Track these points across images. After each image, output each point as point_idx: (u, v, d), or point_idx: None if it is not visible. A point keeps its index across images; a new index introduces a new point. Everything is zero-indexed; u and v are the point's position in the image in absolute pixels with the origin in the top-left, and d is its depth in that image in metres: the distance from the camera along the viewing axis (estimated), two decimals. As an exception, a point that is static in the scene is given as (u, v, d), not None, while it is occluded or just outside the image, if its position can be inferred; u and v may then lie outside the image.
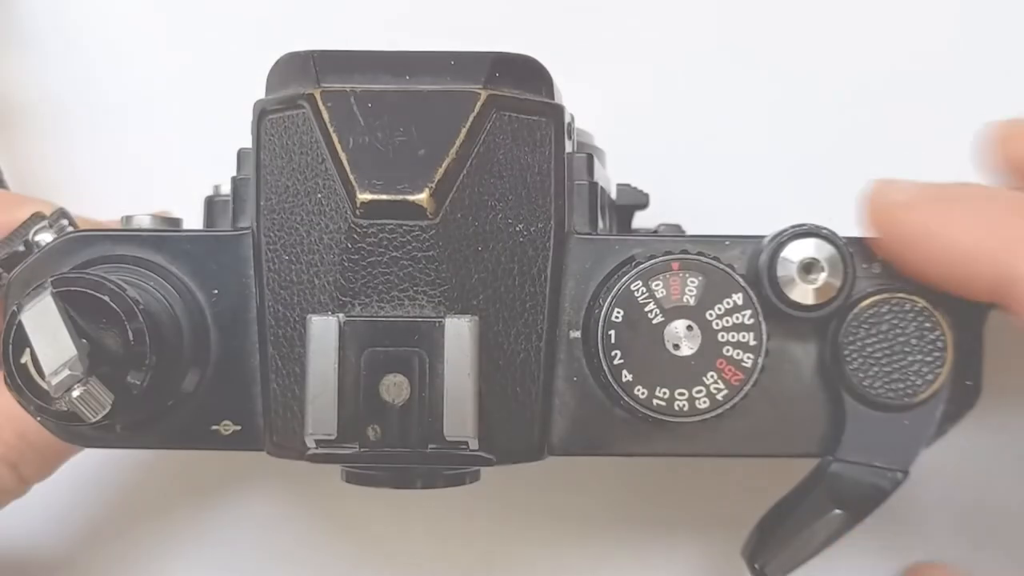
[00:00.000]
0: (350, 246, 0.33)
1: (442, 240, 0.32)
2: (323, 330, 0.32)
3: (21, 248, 0.37)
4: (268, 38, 0.45)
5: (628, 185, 0.41)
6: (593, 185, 0.36)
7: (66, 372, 0.31)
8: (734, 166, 0.47)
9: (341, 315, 0.32)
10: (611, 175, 0.41)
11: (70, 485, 0.46)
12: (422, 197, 0.32)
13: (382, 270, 0.33)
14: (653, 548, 0.47)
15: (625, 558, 0.47)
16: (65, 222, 0.37)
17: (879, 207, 0.34)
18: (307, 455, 0.33)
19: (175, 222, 0.37)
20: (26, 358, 0.32)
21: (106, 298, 0.32)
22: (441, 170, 0.32)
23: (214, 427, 0.35)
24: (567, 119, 0.35)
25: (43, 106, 0.47)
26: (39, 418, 0.34)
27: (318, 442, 0.32)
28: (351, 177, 0.32)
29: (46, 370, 0.31)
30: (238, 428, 0.35)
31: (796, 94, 0.47)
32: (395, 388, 0.32)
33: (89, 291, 0.32)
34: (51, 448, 0.39)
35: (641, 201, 0.41)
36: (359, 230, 0.32)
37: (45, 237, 0.37)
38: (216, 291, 0.35)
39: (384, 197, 0.32)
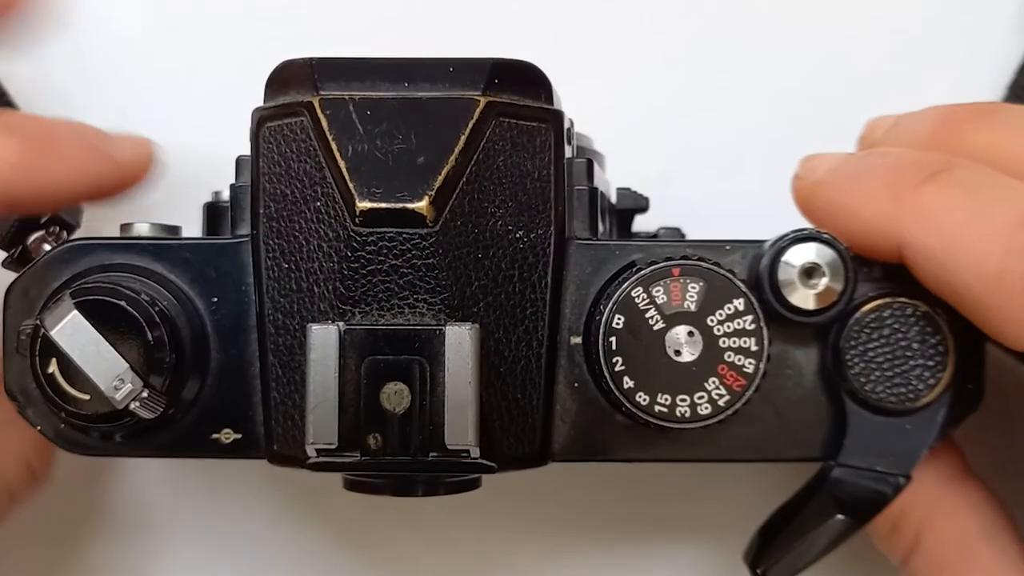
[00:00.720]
0: (350, 254, 0.32)
1: (442, 248, 0.32)
2: (323, 339, 0.32)
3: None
4: (266, 44, 0.45)
5: (628, 189, 0.41)
6: (593, 191, 0.36)
7: (128, 386, 0.33)
8: (734, 169, 0.47)
9: (341, 323, 0.32)
10: (611, 179, 0.41)
11: (68, 487, 0.46)
12: (421, 205, 0.32)
13: (382, 278, 0.32)
14: (653, 553, 0.47)
15: (625, 563, 0.47)
16: (63, 231, 0.37)
17: (801, 185, 0.36)
18: (308, 464, 0.33)
19: (174, 230, 0.37)
20: (53, 368, 0.33)
21: (123, 303, 0.33)
22: (440, 178, 0.32)
23: (214, 435, 0.35)
24: (566, 124, 0.35)
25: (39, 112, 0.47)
26: (62, 427, 0.35)
27: (319, 451, 0.32)
28: (350, 185, 0.32)
29: (102, 386, 0.33)
30: (238, 436, 0.35)
31: (799, 97, 0.47)
32: (396, 396, 0.32)
33: (108, 298, 0.33)
34: None
35: (641, 205, 0.41)
36: (359, 238, 0.32)
37: (43, 247, 0.37)
38: (216, 299, 0.35)
39: (383, 205, 0.32)
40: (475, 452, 0.32)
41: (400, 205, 0.32)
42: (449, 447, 0.32)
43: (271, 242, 0.34)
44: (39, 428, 0.35)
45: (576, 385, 0.35)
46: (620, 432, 0.35)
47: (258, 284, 0.34)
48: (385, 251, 0.32)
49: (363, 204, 0.32)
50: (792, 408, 0.35)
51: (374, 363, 0.32)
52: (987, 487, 0.37)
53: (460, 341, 0.32)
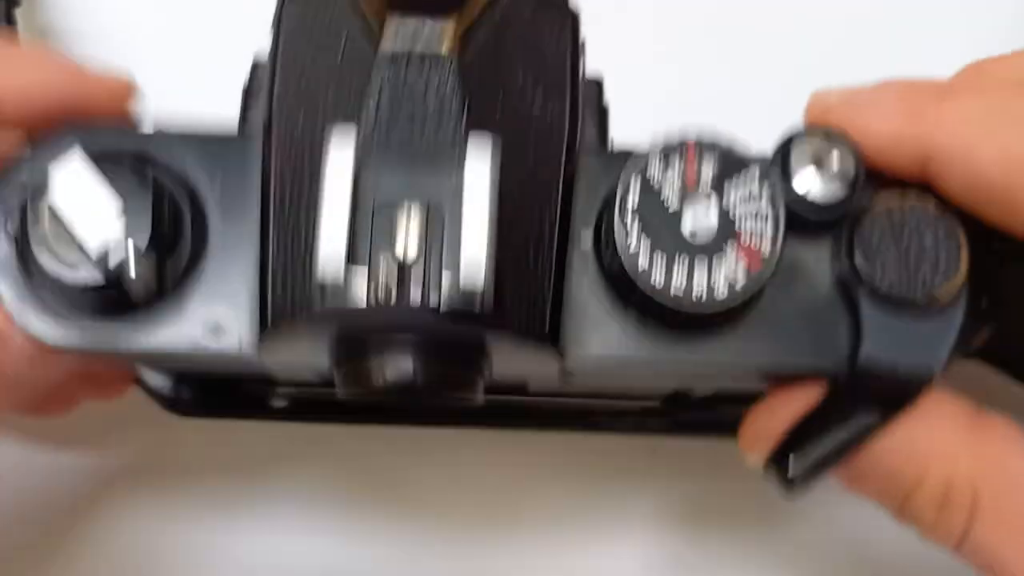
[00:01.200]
0: (369, 80, 0.32)
1: (465, 78, 0.32)
2: (341, 146, 0.30)
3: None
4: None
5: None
6: (603, 110, 0.36)
7: (120, 253, 0.32)
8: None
9: (358, 139, 0.31)
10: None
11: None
12: (448, 29, 0.32)
13: (405, 107, 0.32)
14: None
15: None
16: None
17: (814, 113, 0.37)
18: (308, 317, 0.31)
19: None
20: (44, 224, 0.32)
21: (126, 168, 0.33)
22: (467, 11, 0.32)
23: (209, 323, 0.34)
24: (582, 36, 0.36)
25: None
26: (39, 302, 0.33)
27: (323, 291, 0.30)
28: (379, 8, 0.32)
29: (92, 247, 0.32)
30: (229, 326, 0.34)
31: (802, 94, 0.48)
32: (410, 223, 0.31)
33: (109, 161, 0.32)
34: None
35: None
36: (382, 66, 0.32)
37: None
38: (219, 175, 0.34)
39: (410, 27, 0.32)
40: (489, 295, 0.30)
41: (427, 26, 0.32)
42: (463, 288, 0.30)
43: (286, 102, 0.33)
44: (6, 300, 0.33)
45: (586, 276, 0.34)
46: (632, 330, 0.34)
47: (267, 144, 0.33)
48: (408, 77, 0.32)
49: (391, 25, 0.32)
50: (808, 311, 0.34)
51: (388, 188, 0.31)
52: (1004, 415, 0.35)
53: (481, 160, 0.31)
